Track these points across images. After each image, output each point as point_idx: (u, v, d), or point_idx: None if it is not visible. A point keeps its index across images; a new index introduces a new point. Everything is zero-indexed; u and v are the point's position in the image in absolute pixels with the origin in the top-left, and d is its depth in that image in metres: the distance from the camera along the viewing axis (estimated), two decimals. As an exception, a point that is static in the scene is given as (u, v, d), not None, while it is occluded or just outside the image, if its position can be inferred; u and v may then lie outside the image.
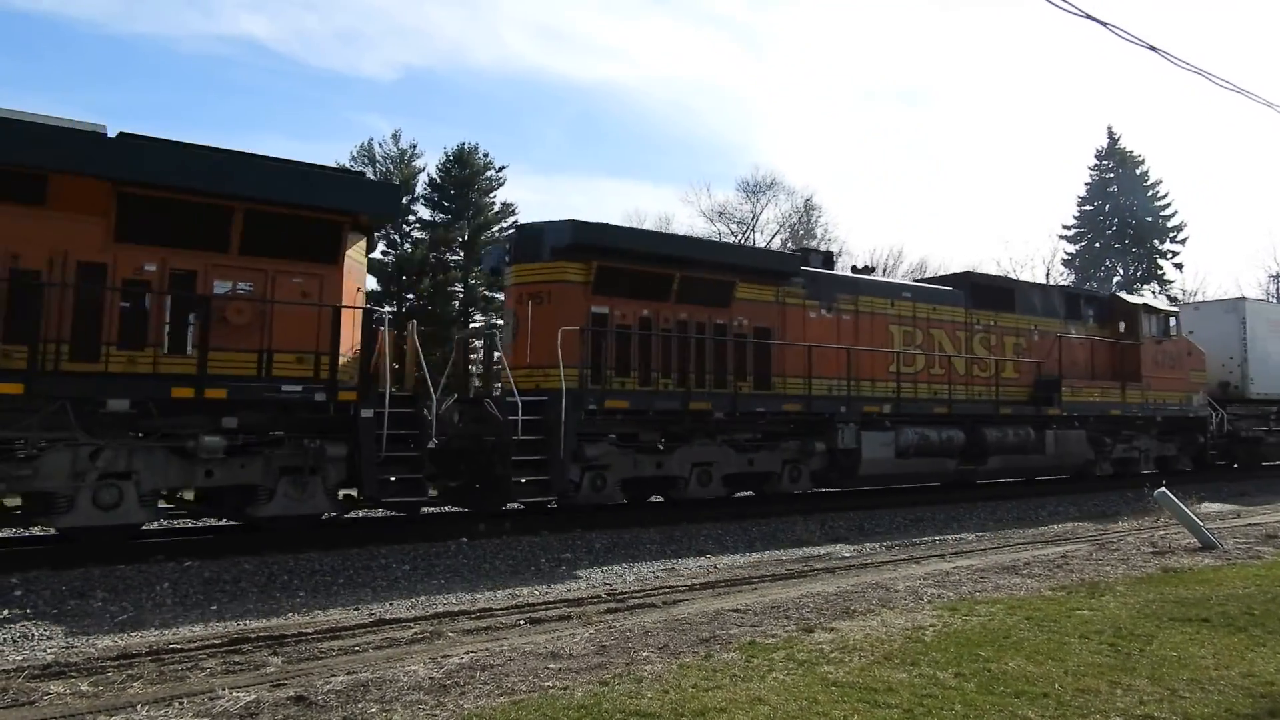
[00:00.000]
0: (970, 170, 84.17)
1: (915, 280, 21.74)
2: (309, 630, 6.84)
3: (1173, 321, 21.18)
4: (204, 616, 7.55)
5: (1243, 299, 25.86)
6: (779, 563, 10.76)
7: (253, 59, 75.51)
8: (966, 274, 18.83)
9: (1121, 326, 20.26)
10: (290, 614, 7.69)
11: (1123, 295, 22.28)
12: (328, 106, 76.18)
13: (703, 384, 13.41)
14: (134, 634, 6.90)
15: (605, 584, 9.29)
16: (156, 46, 74.20)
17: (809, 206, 50.48)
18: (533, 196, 73.98)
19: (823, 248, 28.56)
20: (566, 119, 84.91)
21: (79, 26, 72.31)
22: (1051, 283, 33.60)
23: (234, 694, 5.11)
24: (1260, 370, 23.06)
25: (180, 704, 4.96)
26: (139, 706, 4.92)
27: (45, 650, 6.39)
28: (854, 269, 21.67)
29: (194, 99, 73.12)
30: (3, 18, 71.17)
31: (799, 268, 15.18)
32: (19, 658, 6.19)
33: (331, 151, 60.88)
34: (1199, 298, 41.55)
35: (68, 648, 6.46)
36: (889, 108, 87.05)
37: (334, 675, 5.51)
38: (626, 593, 8.68)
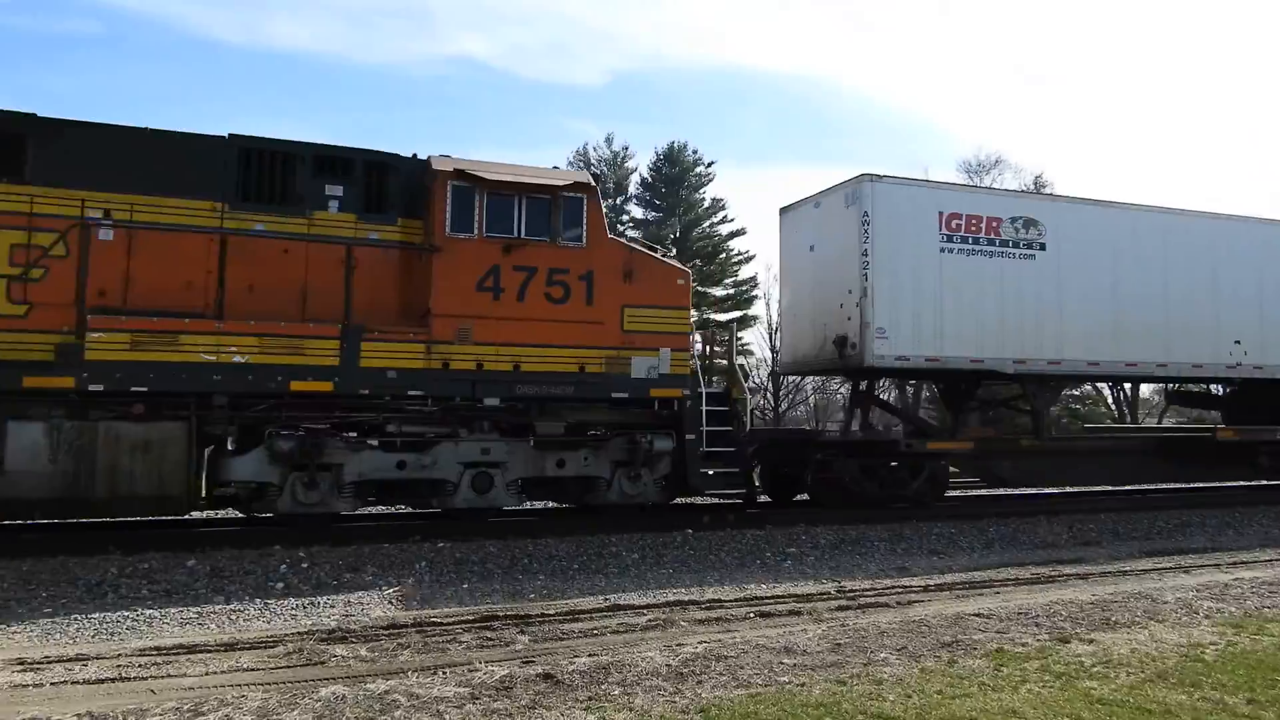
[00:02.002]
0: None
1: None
2: (551, 612, 7.22)
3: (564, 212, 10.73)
4: (457, 594, 8.18)
5: (867, 178, 13.14)
6: (1021, 565, 10.06)
7: (472, 75, 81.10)
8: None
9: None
10: (532, 595, 8.16)
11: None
12: (542, 115, 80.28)
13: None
14: (400, 608, 7.60)
15: (833, 580, 9.10)
16: (391, 73, 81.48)
17: (1039, 183, 46.84)
18: (737, 189, 74.12)
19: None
20: (766, 110, 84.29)
21: (326, 58, 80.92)
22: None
23: (489, 667, 5.49)
24: (894, 312, 12.90)
25: (444, 674, 5.40)
26: (409, 673, 5.41)
27: (329, 617, 7.18)
28: None
29: (423, 116, 79.73)
30: (269, 57, 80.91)
31: None
32: (309, 622, 7.00)
33: (549, 157, 64.48)
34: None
35: (347, 616, 7.22)
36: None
37: (577, 656, 5.79)
38: (857, 590, 8.46)
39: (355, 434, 10.15)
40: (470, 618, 7.04)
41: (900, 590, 8.49)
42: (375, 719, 4.60)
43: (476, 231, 10.26)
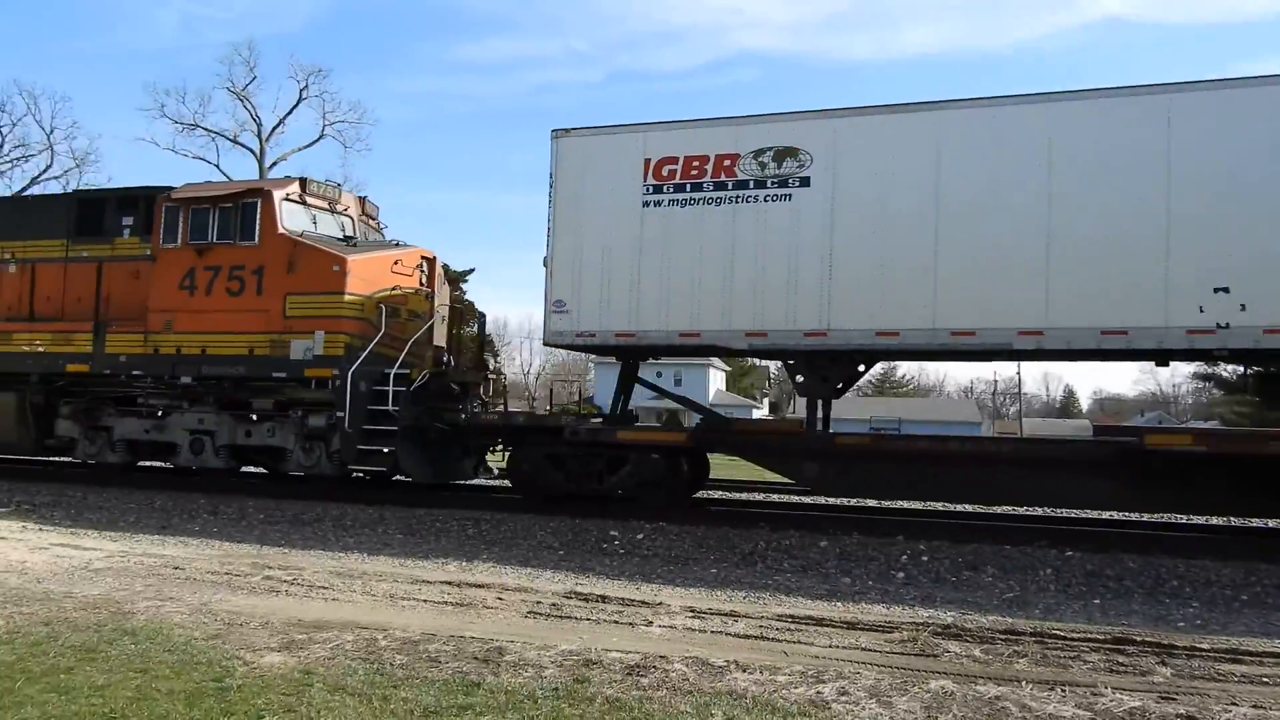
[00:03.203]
0: None
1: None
2: (1203, 646, 6.17)
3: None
4: (1085, 610, 7.51)
5: (555, 133, 10.96)
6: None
7: (1114, 37, 72.40)
8: None
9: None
10: (1181, 624, 7.07)
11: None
12: (1208, 61, 67.89)
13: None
14: (1019, 613, 7.29)
15: None
16: (1022, 56, 77.32)
17: None
18: None
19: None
20: None
21: (954, 55, 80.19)
22: None
23: (1117, 694, 4.95)
24: (575, 282, 11.08)
25: (1062, 691, 5.04)
26: (1023, 683, 5.17)
27: (945, 612, 7.24)
28: None
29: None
30: (902, 66, 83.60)
31: None
32: (926, 614, 7.16)
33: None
34: None
35: (962, 614, 7.19)
36: None
37: (1235, 704, 4.86)
38: None
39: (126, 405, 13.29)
40: (1100, 637, 6.41)
41: None
42: (983, 722, 4.53)
43: (180, 241, 12.46)
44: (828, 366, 10.69)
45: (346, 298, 11.79)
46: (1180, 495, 9.81)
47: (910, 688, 5.00)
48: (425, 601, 6.98)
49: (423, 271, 12.98)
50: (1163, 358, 10.32)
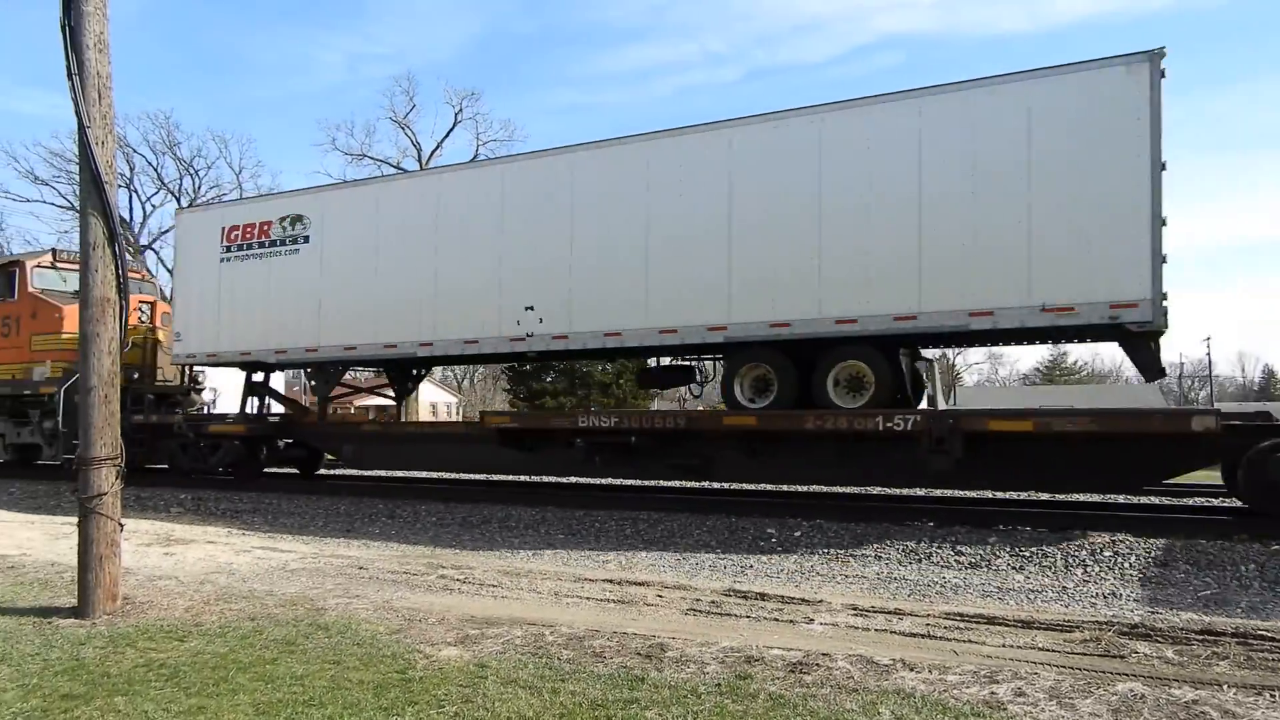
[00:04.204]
0: None
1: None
2: None
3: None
4: (1298, 608, 6.83)
5: (181, 210, 17.47)
6: None
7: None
8: None
9: None
10: None
11: None
12: None
13: None
14: (1218, 612, 6.72)
15: None
16: (1180, 14, 70.84)
17: None
18: None
19: None
20: None
21: (1112, 19, 74.48)
22: None
23: (1337, 701, 4.49)
24: (186, 318, 16.00)
25: (1271, 695, 4.62)
26: (1225, 687, 4.78)
27: (1132, 611, 6.76)
28: None
29: (1205, 50, 67.11)
30: (1055, 36, 78.51)
31: None
32: (1110, 613, 6.71)
33: None
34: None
35: (1152, 613, 6.69)
36: None
37: None
38: None
39: None
40: (1317, 638, 5.82)
41: None
42: (1178, 727, 4.22)
43: None
44: (323, 374, 15.21)
45: (63, 335, 16.27)
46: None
47: (1094, 690, 4.72)
48: (588, 599, 7.19)
49: (143, 311, 17.38)
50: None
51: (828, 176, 10.51)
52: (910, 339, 10.86)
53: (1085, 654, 5.53)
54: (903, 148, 10.15)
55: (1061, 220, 9.49)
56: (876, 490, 12.90)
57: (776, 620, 6.45)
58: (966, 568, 8.44)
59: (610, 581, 7.80)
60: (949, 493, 12.79)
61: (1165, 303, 9.27)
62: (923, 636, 5.97)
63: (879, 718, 4.34)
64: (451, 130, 49.63)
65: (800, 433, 10.70)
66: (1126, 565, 8.19)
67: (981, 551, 8.79)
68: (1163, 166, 9.14)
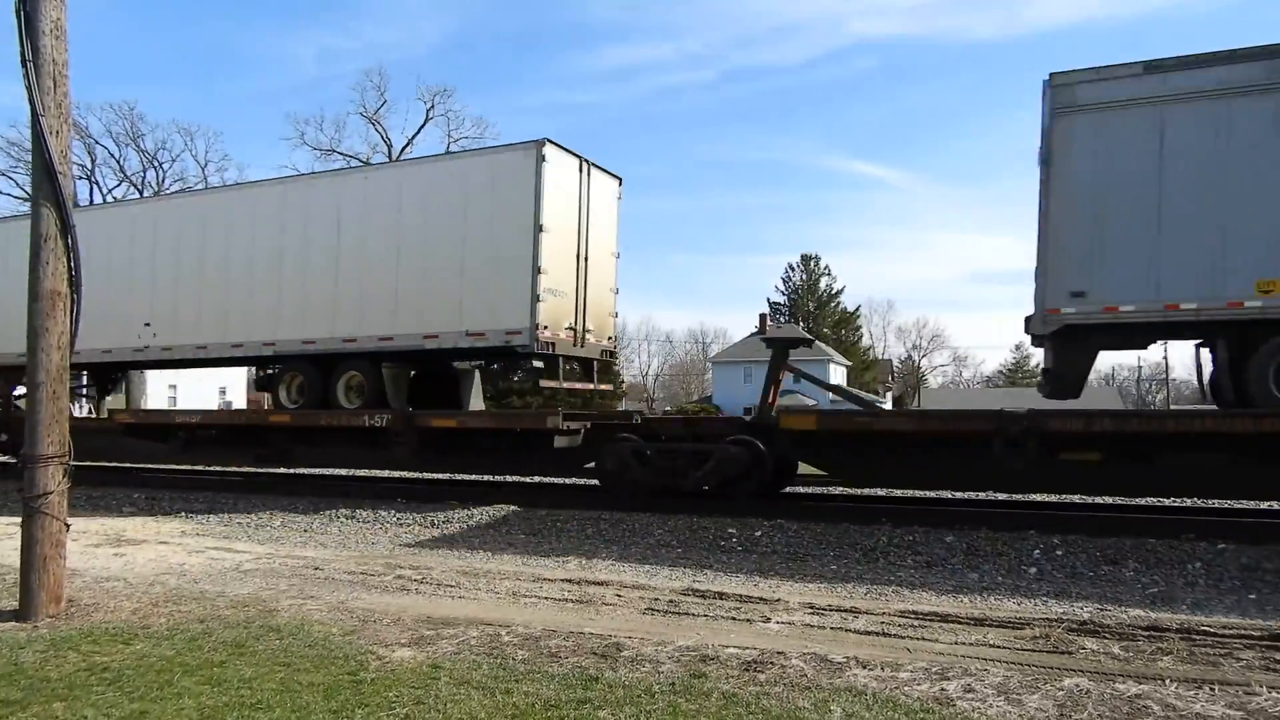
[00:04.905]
0: None
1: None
2: (1377, 644, 5.65)
3: None
4: (1239, 605, 6.99)
5: None
6: None
7: None
8: None
9: None
10: (1352, 620, 6.48)
11: None
12: None
13: None
14: (1163, 609, 6.86)
15: None
16: (1158, 19, 72.44)
17: None
18: None
19: None
20: None
21: (1087, 26, 75.73)
22: None
23: (1272, 693, 4.60)
24: None
25: (1211, 690, 4.72)
26: (1168, 681, 4.87)
27: (1082, 609, 6.88)
28: None
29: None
30: (1028, 44, 79.62)
31: None
32: (1060, 610, 6.83)
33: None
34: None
35: (1101, 610, 6.82)
36: None
37: None
38: None
39: None
40: (1255, 634, 5.96)
41: None
42: (1121, 722, 4.30)
43: None
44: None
45: None
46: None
47: (1042, 685, 4.80)
48: (546, 599, 7.16)
49: None
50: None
51: (344, 229, 13.88)
52: (392, 355, 13.75)
53: (1035, 650, 5.61)
54: (387, 209, 13.56)
55: (482, 269, 12.66)
56: (839, 490, 13.01)
57: (734, 619, 6.47)
58: (923, 567, 8.54)
59: (569, 581, 7.78)
60: (908, 493, 12.95)
61: (544, 332, 12.37)
62: (877, 634, 6.02)
63: (830, 715, 4.37)
64: (423, 127, 49.37)
65: (317, 428, 14.01)
66: (1078, 564, 8.34)
67: (938, 551, 8.90)
68: (540, 228, 12.20)
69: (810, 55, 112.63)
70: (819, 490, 13.04)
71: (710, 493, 11.41)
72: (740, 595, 7.22)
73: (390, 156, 47.97)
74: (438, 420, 12.99)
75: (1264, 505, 10.90)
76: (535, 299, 12.14)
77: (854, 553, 9.09)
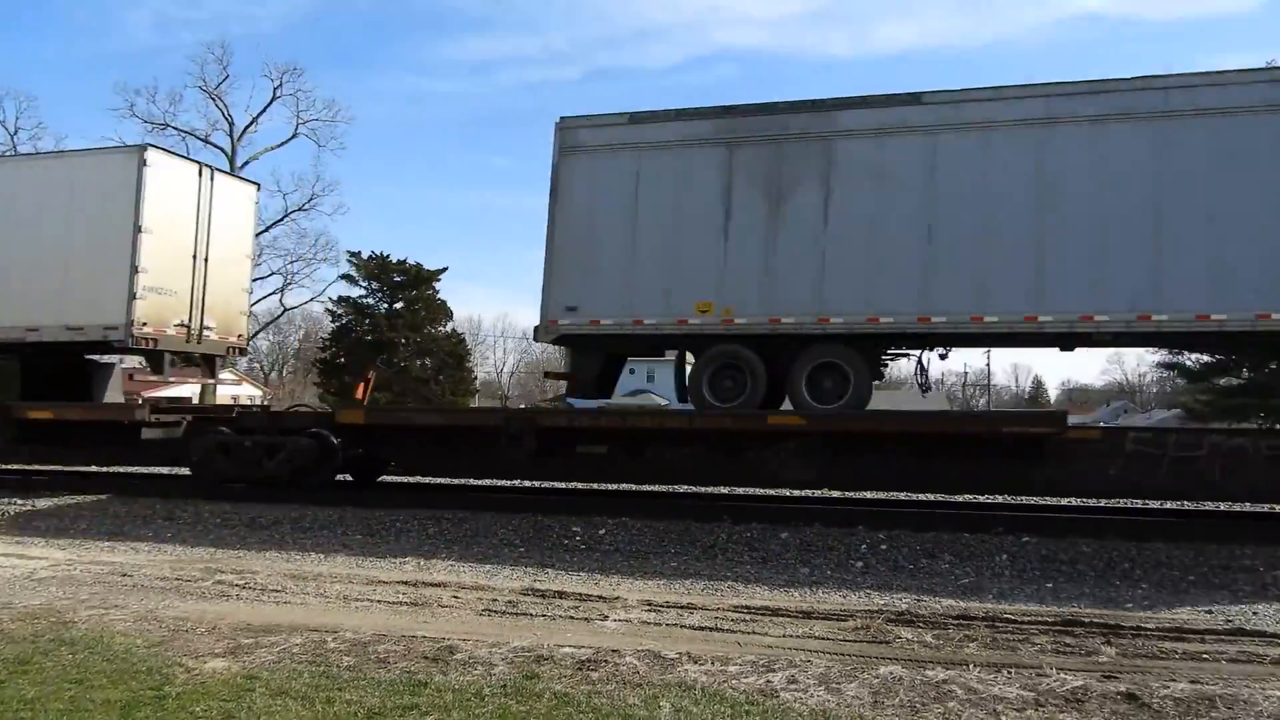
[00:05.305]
0: None
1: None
2: (1148, 626, 6.27)
3: None
4: (1039, 593, 7.61)
5: None
6: None
7: (1090, 34, 73.49)
8: None
9: None
10: (1128, 605, 7.18)
11: None
12: (1177, 57, 69.60)
13: None
14: (973, 599, 7.36)
15: None
16: (1002, 49, 78.11)
17: None
18: None
19: None
20: None
21: (934, 53, 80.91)
22: None
23: (1061, 674, 5.01)
24: None
25: (1009, 673, 5.09)
26: (971, 667, 5.22)
27: (901, 600, 7.29)
28: None
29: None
30: (880, 64, 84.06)
31: None
32: (881, 602, 7.21)
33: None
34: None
35: (918, 601, 7.25)
36: None
37: (1174, 680, 4.94)
38: None
39: None
40: (1049, 619, 6.49)
41: None
42: (928, 705, 4.56)
43: None
44: None
45: None
46: None
47: (859, 674, 5.03)
48: (379, 602, 6.90)
49: None
50: None
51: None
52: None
53: (856, 640, 5.89)
54: (57, 205, 13.54)
55: (84, 265, 13.22)
56: (683, 489, 13.25)
57: (572, 618, 6.45)
58: (758, 563, 8.81)
59: (405, 583, 7.54)
60: (751, 491, 13.34)
61: (143, 328, 12.99)
62: (711, 630, 6.15)
63: (660, 711, 4.42)
64: (269, 106, 46.61)
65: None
66: (900, 557, 8.83)
67: (774, 547, 9.21)
68: (140, 229, 12.83)
69: (674, 60, 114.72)
70: (661, 489, 13.23)
71: (290, 481, 12.08)
72: (580, 594, 7.21)
73: (232, 134, 45.23)
74: (34, 412, 13.28)
75: (1065, 502, 11.91)
76: (132, 296, 12.81)
77: (694, 550, 9.27)
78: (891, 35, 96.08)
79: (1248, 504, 10.85)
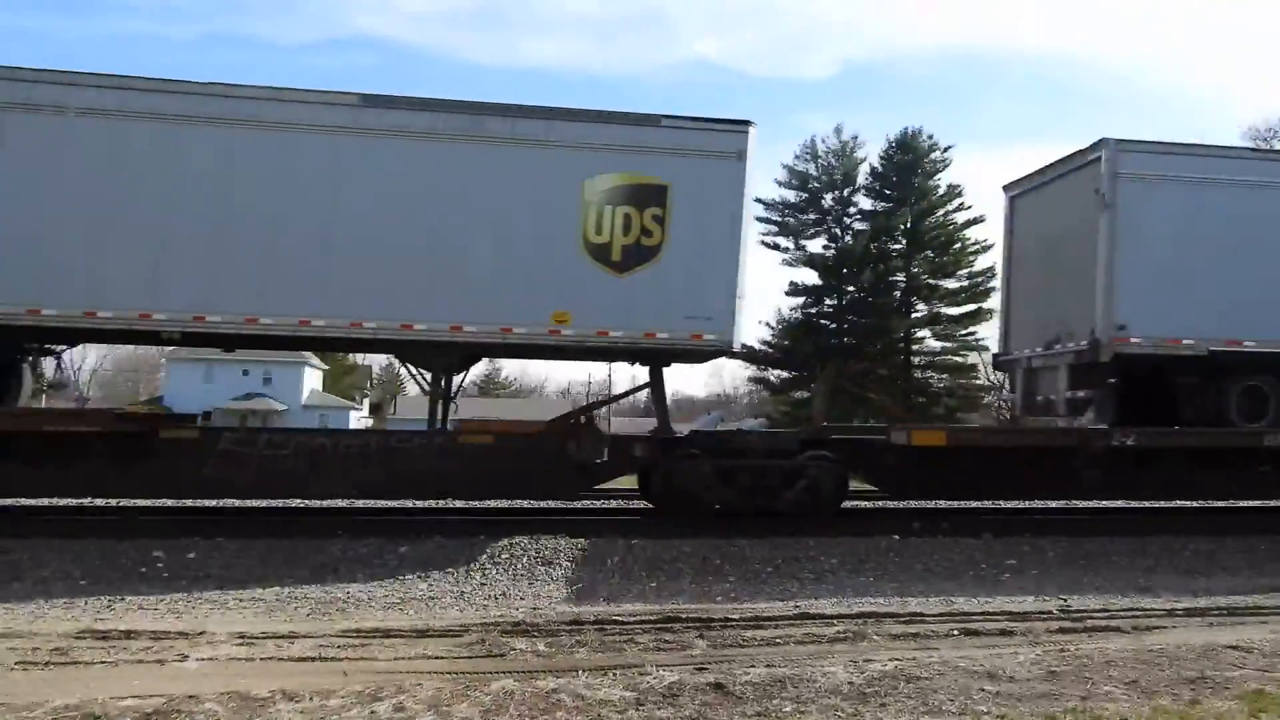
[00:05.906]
0: None
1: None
2: (734, 617, 6.94)
3: None
4: (644, 593, 8.09)
5: None
6: (1301, 592, 8.52)
7: (704, 78, 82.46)
8: None
9: None
10: (719, 599, 7.91)
11: None
12: (771, 112, 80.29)
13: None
14: (585, 603, 7.62)
15: (1058, 598, 8.13)
16: (631, 83, 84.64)
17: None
18: (976, 175, 69.88)
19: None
20: (1008, 90, 79.02)
21: (572, 74, 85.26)
22: None
23: (660, 672, 5.31)
24: None
25: (614, 675, 5.28)
26: (580, 672, 5.33)
27: (518, 609, 7.31)
28: None
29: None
30: (521, 75, 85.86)
31: None
32: (498, 613, 7.16)
33: (773, 154, 63.72)
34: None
35: (534, 609, 7.32)
36: None
37: (753, 666, 5.47)
38: (1084, 611, 7.49)
39: None
40: (652, 618, 6.91)
41: (1139, 614, 7.42)
42: (538, 718, 4.55)
43: None
44: None
45: None
46: None
47: (471, 693, 4.89)
48: None
49: None
50: None
51: None
52: None
53: (470, 656, 5.75)
54: None
55: None
56: (318, 504, 12.15)
57: (141, 662, 5.52)
58: (373, 580, 8.33)
59: (-94, 638, 5.94)
60: (371, 504, 12.65)
61: None
62: (315, 660, 5.63)
63: (242, 763, 3.88)
64: None
65: None
66: (519, 566, 8.88)
67: (390, 562, 8.78)
68: None
69: (308, 39, 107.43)
70: (283, 504, 12.04)
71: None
72: (155, 632, 6.22)
73: None
74: None
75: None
76: None
77: (303, 570, 8.51)
78: (535, 50, 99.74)
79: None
